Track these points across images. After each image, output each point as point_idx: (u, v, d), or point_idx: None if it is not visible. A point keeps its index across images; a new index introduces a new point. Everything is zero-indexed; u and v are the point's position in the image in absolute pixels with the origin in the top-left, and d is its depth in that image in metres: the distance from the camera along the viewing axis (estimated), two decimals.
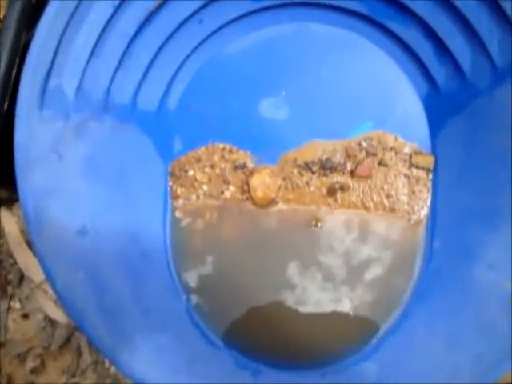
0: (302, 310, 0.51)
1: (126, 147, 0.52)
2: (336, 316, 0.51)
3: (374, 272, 0.51)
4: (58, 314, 0.59)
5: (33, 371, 0.58)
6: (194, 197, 0.54)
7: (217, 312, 0.52)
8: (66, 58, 0.45)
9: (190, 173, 0.54)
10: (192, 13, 0.51)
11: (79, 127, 0.48)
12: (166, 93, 0.54)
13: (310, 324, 0.51)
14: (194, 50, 0.53)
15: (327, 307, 0.51)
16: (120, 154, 0.52)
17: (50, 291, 0.59)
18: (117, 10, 0.46)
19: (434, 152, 0.51)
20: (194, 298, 0.52)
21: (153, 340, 0.47)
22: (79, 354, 0.58)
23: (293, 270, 0.52)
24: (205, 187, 0.54)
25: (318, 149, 0.52)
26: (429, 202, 0.51)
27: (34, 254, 0.57)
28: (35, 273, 0.59)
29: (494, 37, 0.45)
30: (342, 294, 0.51)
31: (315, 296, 0.51)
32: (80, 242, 0.46)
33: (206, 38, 0.53)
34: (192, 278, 0.53)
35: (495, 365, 0.41)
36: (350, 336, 0.50)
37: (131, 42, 0.49)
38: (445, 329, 0.45)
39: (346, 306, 0.51)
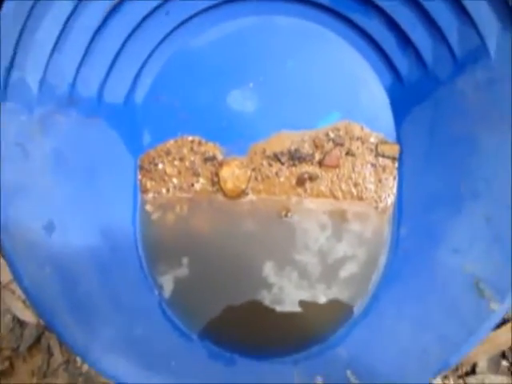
0: (279, 309, 0.52)
1: (93, 141, 0.51)
2: (310, 310, 0.52)
3: (345, 260, 0.52)
4: (26, 315, 0.57)
5: (1, 374, 0.57)
6: (163, 190, 0.53)
7: (191, 309, 0.52)
8: (28, 51, 0.44)
9: (160, 166, 0.54)
10: (158, 4, 0.50)
11: (44, 121, 0.47)
12: (133, 85, 0.53)
13: (285, 318, 0.52)
14: (161, 42, 0.53)
15: (303, 304, 0.52)
16: (88, 148, 0.51)
17: (18, 291, 0.58)
18: (79, 2, 0.46)
19: (399, 141, 0.52)
20: (168, 295, 0.52)
21: (125, 335, 0.46)
22: (50, 353, 0.57)
23: (269, 269, 0.52)
24: (175, 180, 0.53)
25: (286, 140, 0.53)
26: (395, 190, 0.52)
27: (0, 253, 0.55)
28: (2, 273, 0.58)
29: (453, 28, 0.46)
30: (318, 292, 0.52)
31: (292, 295, 0.52)
32: (47, 238, 0.45)
33: (173, 30, 0.53)
34: (166, 279, 0.53)
35: (459, 345, 0.42)
36: (323, 324, 0.51)
37: (95, 34, 0.48)
38: (412, 312, 0.47)
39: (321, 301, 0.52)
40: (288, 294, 0.52)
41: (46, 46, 0.46)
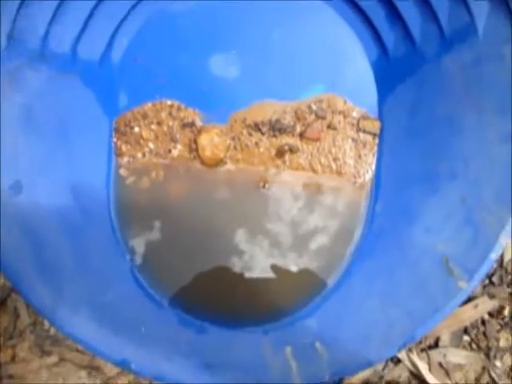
0: (249, 275, 0.52)
1: (66, 99, 0.49)
2: (281, 279, 0.52)
3: (319, 234, 0.52)
4: None
5: None
6: (139, 154, 0.52)
7: (162, 275, 0.52)
8: None
9: (136, 129, 0.52)
10: None
11: (14, 75, 0.44)
12: (110, 44, 0.51)
13: (255, 287, 0.52)
14: (138, 2, 0.50)
15: (274, 273, 0.52)
16: (60, 106, 0.49)
17: None
18: None
19: (380, 117, 0.52)
20: (139, 260, 0.52)
21: (93, 299, 0.46)
22: (16, 315, 0.56)
23: (240, 236, 0.52)
24: (151, 145, 0.52)
25: (268, 109, 0.52)
26: (374, 166, 0.52)
27: None
28: None
29: (443, 5, 0.45)
30: (289, 261, 0.52)
31: (262, 263, 0.52)
32: (14, 199, 0.44)
33: None
34: (138, 243, 0.52)
35: (425, 320, 0.43)
36: (293, 296, 0.51)
37: None
38: (382, 287, 0.47)
39: (292, 271, 0.52)
40: (258, 261, 0.52)
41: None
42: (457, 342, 0.55)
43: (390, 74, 0.51)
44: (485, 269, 0.41)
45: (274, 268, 0.52)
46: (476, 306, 0.54)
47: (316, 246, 0.52)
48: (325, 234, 0.52)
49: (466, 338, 0.55)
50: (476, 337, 0.55)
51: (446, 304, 0.42)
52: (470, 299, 0.54)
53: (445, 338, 0.54)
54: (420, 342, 0.55)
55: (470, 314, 0.54)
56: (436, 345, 0.55)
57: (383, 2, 0.48)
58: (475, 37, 0.44)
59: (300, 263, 0.52)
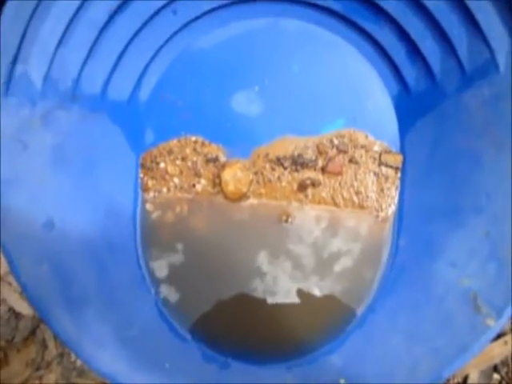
0: (271, 300, 0.52)
1: (95, 137, 0.51)
2: (305, 308, 0.52)
3: (343, 265, 0.52)
4: (22, 306, 0.58)
5: None
6: (164, 189, 0.53)
7: (186, 307, 0.52)
8: (33, 45, 0.44)
9: (162, 165, 0.53)
10: (166, 3, 0.50)
11: (46, 116, 0.47)
12: (138, 83, 0.53)
13: (278, 315, 0.52)
14: (167, 41, 0.53)
15: (297, 298, 0.52)
16: (89, 144, 0.51)
17: (15, 283, 0.58)
18: None
19: (402, 151, 0.52)
20: (163, 289, 0.52)
21: (119, 333, 0.47)
22: (44, 346, 0.57)
23: (262, 258, 0.52)
24: (176, 180, 0.53)
25: (289, 144, 0.52)
26: (396, 200, 0.52)
27: None
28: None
29: (463, 41, 0.46)
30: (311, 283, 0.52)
31: (285, 285, 0.52)
32: (46, 234, 0.45)
33: (180, 30, 0.52)
34: (161, 268, 0.53)
35: (452, 359, 0.42)
36: (317, 329, 0.51)
37: (102, 30, 0.48)
38: (406, 323, 0.47)
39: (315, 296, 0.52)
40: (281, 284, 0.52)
41: (51, 40, 0.45)
42: (486, 381, 0.53)
43: (411, 108, 0.51)
44: None
45: (298, 292, 0.52)
46: (506, 343, 0.52)
47: (344, 293, 0.52)
48: (348, 258, 0.52)
49: (496, 376, 0.53)
50: (506, 375, 0.53)
51: (474, 342, 0.42)
52: (498, 335, 0.53)
53: (473, 377, 0.53)
54: (447, 381, 0.53)
55: (500, 350, 0.52)
56: (465, 383, 0.53)
57: (403, 39, 0.49)
58: (496, 73, 0.44)
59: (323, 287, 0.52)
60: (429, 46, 0.48)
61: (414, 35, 0.49)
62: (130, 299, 0.50)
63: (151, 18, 0.50)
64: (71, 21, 0.46)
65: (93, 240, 0.50)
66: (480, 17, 0.44)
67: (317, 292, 0.52)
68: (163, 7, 0.50)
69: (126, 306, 0.49)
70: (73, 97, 0.48)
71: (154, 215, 0.53)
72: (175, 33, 0.52)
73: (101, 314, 0.47)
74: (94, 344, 0.45)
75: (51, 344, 0.57)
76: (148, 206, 0.53)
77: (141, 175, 0.53)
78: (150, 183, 0.53)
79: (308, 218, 0.52)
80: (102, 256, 0.50)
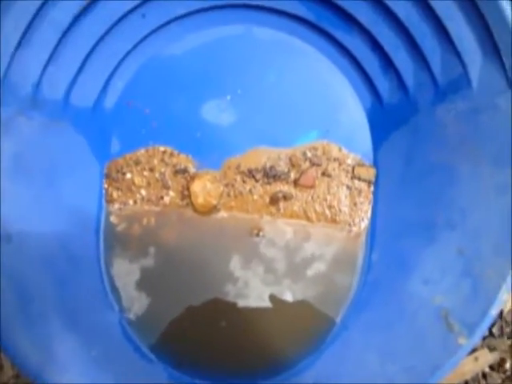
0: (242, 303, 0.50)
1: (57, 146, 0.48)
2: (278, 315, 0.50)
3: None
4: None
5: None
6: (131, 201, 0.51)
7: (152, 317, 0.50)
8: None
9: (128, 176, 0.51)
10: (135, 6, 0.48)
11: (5, 123, 0.44)
12: (104, 89, 0.50)
13: (250, 325, 0.50)
14: (135, 46, 0.51)
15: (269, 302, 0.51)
16: (51, 153, 0.48)
17: None
18: (47, 0, 0.43)
19: (376, 164, 0.51)
20: (128, 305, 0.50)
21: (81, 354, 0.44)
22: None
23: (235, 263, 0.51)
24: (143, 191, 0.51)
25: (262, 156, 0.51)
26: (369, 214, 0.51)
27: None
28: None
29: (436, 55, 0.45)
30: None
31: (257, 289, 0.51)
32: (2, 248, 0.42)
33: (149, 35, 0.50)
34: (126, 283, 0.50)
35: (425, 378, 0.41)
36: (292, 338, 0.49)
37: (66, 32, 0.45)
38: (380, 341, 0.46)
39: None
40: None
41: (9, 41, 0.42)
42: None
43: (385, 121, 0.50)
44: (485, 324, 0.40)
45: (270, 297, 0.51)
46: (476, 359, 0.52)
47: (315, 309, 0.51)
48: (320, 274, 0.51)
49: None
50: None
51: (445, 361, 0.41)
52: (470, 352, 0.52)
53: None
54: None
55: (471, 367, 0.52)
56: None
57: (376, 50, 0.49)
58: (469, 87, 0.44)
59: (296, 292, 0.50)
60: (401, 57, 0.48)
61: (386, 46, 0.48)
62: (92, 317, 0.48)
63: (119, 20, 0.48)
64: (32, 20, 0.43)
65: (53, 253, 0.47)
66: (452, 29, 0.43)
67: (289, 297, 0.50)
68: (131, 10, 0.48)
69: (88, 324, 0.47)
70: (33, 102, 0.46)
71: (120, 228, 0.51)
72: (144, 37, 0.50)
73: (61, 333, 0.44)
74: (54, 366, 0.42)
75: (7, 364, 0.53)
76: (113, 219, 0.51)
77: (105, 186, 0.51)
78: (115, 194, 0.51)
79: (280, 232, 0.51)
80: (63, 270, 0.47)
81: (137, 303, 0.50)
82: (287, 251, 0.51)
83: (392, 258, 0.49)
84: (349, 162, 0.51)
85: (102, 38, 0.48)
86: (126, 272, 0.50)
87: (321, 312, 0.50)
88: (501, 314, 0.53)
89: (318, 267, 0.51)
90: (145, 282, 0.50)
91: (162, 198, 0.51)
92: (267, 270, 0.51)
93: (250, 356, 0.49)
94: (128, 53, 0.50)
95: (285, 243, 0.51)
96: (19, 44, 0.43)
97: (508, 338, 0.53)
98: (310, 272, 0.51)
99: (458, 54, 0.44)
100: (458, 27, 0.43)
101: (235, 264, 0.50)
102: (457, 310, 0.42)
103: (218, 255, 0.51)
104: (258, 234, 0.50)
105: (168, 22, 0.50)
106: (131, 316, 0.50)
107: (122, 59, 0.50)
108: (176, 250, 0.51)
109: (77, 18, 0.46)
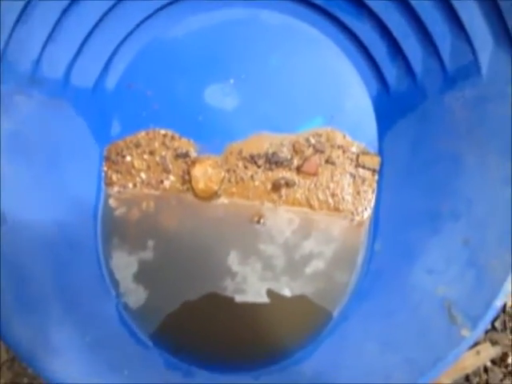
0: (240, 299, 0.49)
1: (57, 126, 0.47)
2: (275, 309, 0.49)
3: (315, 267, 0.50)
4: None
5: None
6: (130, 185, 0.50)
7: (149, 305, 0.49)
8: None
9: (128, 158, 0.50)
10: None
11: (3, 101, 0.43)
12: (105, 70, 0.49)
13: (248, 316, 0.49)
14: (137, 27, 0.49)
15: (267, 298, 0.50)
16: (50, 133, 0.47)
17: None
18: None
19: (380, 152, 0.50)
20: (125, 291, 0.49)
21: (76, 339, 0.43)
22: None
23: (233, 258, 0.50)
24: (143, 175, 0.50)
25: (264, 142, 0.50)
26: (373, 203, 0.50)
27: None
28: None
29: (446, 41, 0.44)
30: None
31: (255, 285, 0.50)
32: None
33: (152, 15, 0.49)
34: (123, 268, 0.49)
35: (427, 369, 0.40)
36: (289, 331, 0.49)
37: (66, 10, 0.44)
38: (380, 331, 0.45)
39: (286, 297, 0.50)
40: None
41: (8, 17, 0.41)
42: None
43: (391, 108, 0.49)
44: (489, 317, 0.39)
45: (268, 293, 0.50)
46: (478, 353, 0.51)
47: (316, 296, 0.50)
48: (321, 260, 0.50)
49: None
50: None
51: (448, 353, 0.40)
52: (471, 345, 0.51)
53: None
54: None
55: (472, 361, 0.51)
56: None
57: (385, 37, 0.48)
58: (478, 75, 0.43)
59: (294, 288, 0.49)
60: (410, 44, 0.47)
61: (395, 32, 0.47)
62: (89, 302, 0.47)
63: (120, 0, 0.47)
64: None
65: (50, 236, 0.46)
66: (464, 15, 0.42)
67: (287, 292, 0.50)
68: None
69: (84, 310, 0.46)
70: (32, 80, 0.45)
71: (118, 211, 0.50)
72: (146, 18, 0.49)
73: (58, 317, 0.43)
74: (48, 350, 0.41)
75: (1, 348, 0.53)
76: (111, 202, 0.50)
77: (105, 169, 0.50)
78: (114, 177, 0.50)
79: (281, 219, 0.50)
80: (61, 254, 0.46)
81: (134, 289, 0.49)
82: (286, 248, 0.50)
83: (395, 247, 0.48)
84: (353, 149, 0.50)
85: (102, 19, 0.47)
86: (123, 257, 0.49)
87: (319, 306, 0.49)
88: (504, 308, 0.52)
89: (317, 264, 0.50)
90: (142, 268, 0.50)
91: (161, 182, 0.50)
92: (266, 267, 0.50)
93: (247, 345, 0.49)
94: (129, 34, 0.49)
95: (284, 240, 0.49)
96: (18, 20, 0.42)
97: (511, 333, 0.52)
98: (308, 269, 0.50)
99: (468, 40, 0.43)
100: (470, 13, 0.42)
101: (233, 259, 0.50)
102: (460, 301, 0.41)
103: (217, 245, 0.50)
104: (258, 221, 0.49)
105: (171, 3, 0.48)
106: (129, 301, 0.49)
107: (123, 40, 0.49)
108: (175, 238, 0.50)
109: None
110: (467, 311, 0.41)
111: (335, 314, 0.49)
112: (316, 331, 0.49)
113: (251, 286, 0.50)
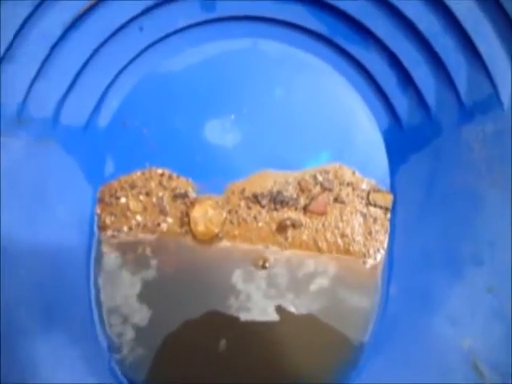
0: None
1: (45, 167, 0.44)
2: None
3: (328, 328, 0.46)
4: None
5: None
6: (125, 228, 0.47)
7: (143, 369, 0.46)
8: None
9: (123, 200, 0.47)
10: (131, 18, 0.44)
11: None
12: (98, 107, 0.47)
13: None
14: (132, 61, 0.47)
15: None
16: (40, 174, 0.44)
17: None
18: (38, 7, 0.39)
19: (392, 189, 0.47)
20: (118, 350, 0.46)
21: None
22: None
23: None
24: (138, 217, 0.47)
25: (268, 180, 0.47)
26: (386, 244, 0.46)
27: None
28: None
29: (461, 71, 0.41)
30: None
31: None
32: None
33: (148, 48, 0.47)
34: (119, 330, 0.46)
35: None
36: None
37: (56, 45, 0.42)
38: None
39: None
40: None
41: None
42: None
43: (403, 143, 0.46)
44: None
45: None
46: None
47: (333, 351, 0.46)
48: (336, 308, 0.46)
49: None
50: None
51: None
52: None
53: None
54: None
55: None
56: None
57: (394, 66, 0.45)
58: (499, 109, 0.39)
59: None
60: (422, 74, 0.44)
61: (405, 61, 0.44)
62: (80, 355, 0.43)
63: (114, 34, 0.45)
64: (19, 32, 0.40)
65: (43, 278, 0.43)
66: (480, 44, 0.40)
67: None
68: (128, 22, 0.45)
69: (76, 364, 0.42)
70: (18, 121, 0.42)
71: (112, 257, 0.46)
72: (141, 52, 0.47)
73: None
74: None
75: None
76: (105, 247, 0.46)
77: (98, 211, 0.47)
78: (108, 220, 0.47)
79: (287, 263, 0.46)
80: (52, 296, 0.43)
81: (127, 342, 0.45)
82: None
83: (413, 292, 0.45)
84: (363, 186, 0.47)
85: (95, 53, 0.45)
86: (117, 307, 0.46)
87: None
88: None
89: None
90: (138, 320, 0.46)
91: (159, 224, 0.47)
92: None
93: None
94: (124, 68, 0.47)
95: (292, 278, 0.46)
96: (3, 57, 0.39)
97: None
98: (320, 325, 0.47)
99: (486, 71, 0.40)
100: (487, 40, 0.39)
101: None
102: (487, 355, 0.38)
103: (217, 281, 0.47)
104: (263, 266, 0.46)
105: (167, 35, 0.46)
106: (120, 356, 0.45)
107: (118, 75, 0.47)
108: (171, 281, 0.46)
109: (68, 30, 0.42)
110: (495, 366, 0.37)
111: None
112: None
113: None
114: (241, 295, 0.46)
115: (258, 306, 0.46)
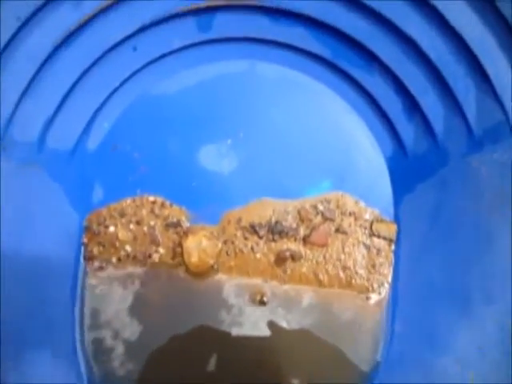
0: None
1: (29, 194, 0.42)
2: None
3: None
4: None
5: None
6: (113, 259, 0.44)
7: None
8: None
9: (111, 229, 0.44)
10: (125, 37, 0.42)
11: None
12: (86, 130, 0.44)
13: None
14: (125, 81, 0.45)
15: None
16: (24, 201, 0.41)
17: None
18: (24, 26, 0.37)
19: (397, 220, 0.45)
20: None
21: None
22: None
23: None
24: (128, 248, 0.44)
25: (266, 209, 0.45)
26: (390, 278, 0.44)
27: None
28: None
29: (470, 97, 0.40)
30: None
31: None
32: None
33: (141, 69, 0.45)
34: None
35: None
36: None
37: (42, 65, 0.40)
38: None
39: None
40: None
41: None
42: None
43: (408, 171, 0.45)
44: None
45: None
46: None
47: None
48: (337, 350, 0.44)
49: None
50: None
51: None
52: None
53: None
54: None
55: None
56: None
57: (399, 92, 0.43)
58: (510, 137, 0.38)
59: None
60: (429, 100, 0.42)
61: (411, 87, 0.43)
62: None
63: (106, 53, 0.43)
64: (5, 49, 0.37)
65: (29, 309, 0.40)
66: (490, 68, 0.38)
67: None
68: (121, 42, 0.43)
69: None
70: (1, 145, 0.39)
71: (99, 290, 0.43)
72: (134, 72, 0.45)
73: None
74: None
75: None
76: (91, 280, 0.43)
77: (85, 240, 0.44)
78: (95, 251, 0.44)
79: (286, 298, 0.43)
80: (38, 330, 0.40)
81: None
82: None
83: (419, 330, 0.42)
84: (366, 216, 0.45)
85: (85, 73, 0.43)
86: (102, 343, 0.43)
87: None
88: None
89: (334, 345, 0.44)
90: (125, 358, 0.43)
91: (149, 255, 0.44)
92: None
93: None
94: (116, 89, 0.45)
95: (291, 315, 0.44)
96: None
97: None
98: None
99: (496, 97, 0.38)
100: (497, 67, 0.38)
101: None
102: None
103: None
104: (261, 301, 0.43)
105: (161, 56, 0.44)
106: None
107: (109, 96, 0.45)
108: (162, 315, 0.44)
109: (57, 48, 0.40)
110: None
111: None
112: None
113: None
114: (233, 309, 0.44)
115: (249, 320, 0.44)
